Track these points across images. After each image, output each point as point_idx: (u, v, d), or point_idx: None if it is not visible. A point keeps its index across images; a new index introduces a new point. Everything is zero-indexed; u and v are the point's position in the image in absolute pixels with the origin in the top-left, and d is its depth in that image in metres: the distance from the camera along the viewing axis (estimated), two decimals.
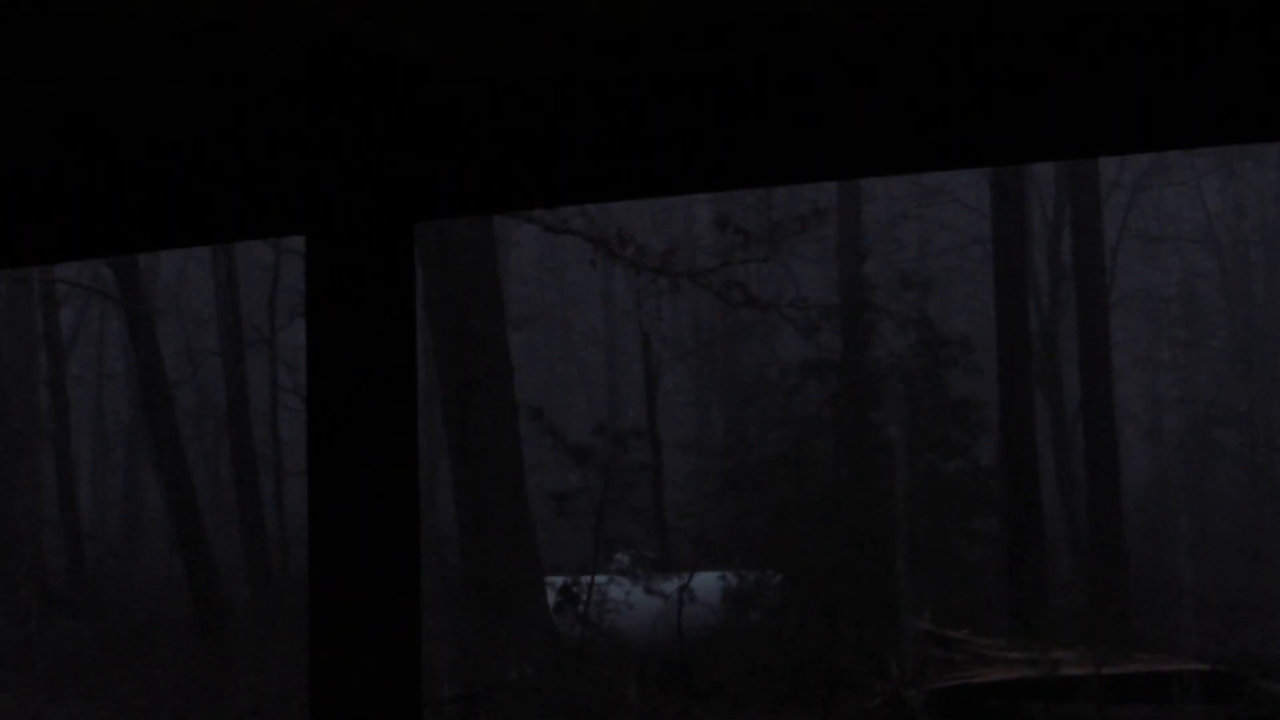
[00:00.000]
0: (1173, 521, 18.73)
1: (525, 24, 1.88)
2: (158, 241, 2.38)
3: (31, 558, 18.16)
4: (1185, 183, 25.23)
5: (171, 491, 17.16)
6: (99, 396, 27.33)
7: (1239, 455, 24.27)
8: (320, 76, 2.02)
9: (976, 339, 15.73)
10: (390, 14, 1.86)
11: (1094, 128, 1.87)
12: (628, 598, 13.29)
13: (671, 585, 13.50)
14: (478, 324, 12.95)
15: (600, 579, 13.42)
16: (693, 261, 16.55)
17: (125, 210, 2.31)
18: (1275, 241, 26.97)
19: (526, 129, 2.09)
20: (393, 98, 2.03)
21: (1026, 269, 15.95)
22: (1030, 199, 17.98)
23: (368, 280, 2.00)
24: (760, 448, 15.71)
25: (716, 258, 15.08)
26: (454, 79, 2.04)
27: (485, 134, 2.11)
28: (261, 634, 15.33)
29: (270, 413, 21.53)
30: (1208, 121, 1.82)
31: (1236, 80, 1.78)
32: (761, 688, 11.98)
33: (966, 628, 12.33)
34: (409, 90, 2.04)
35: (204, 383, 23.45)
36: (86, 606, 18.43)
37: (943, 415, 14.64)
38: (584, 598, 13.16)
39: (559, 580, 13.44)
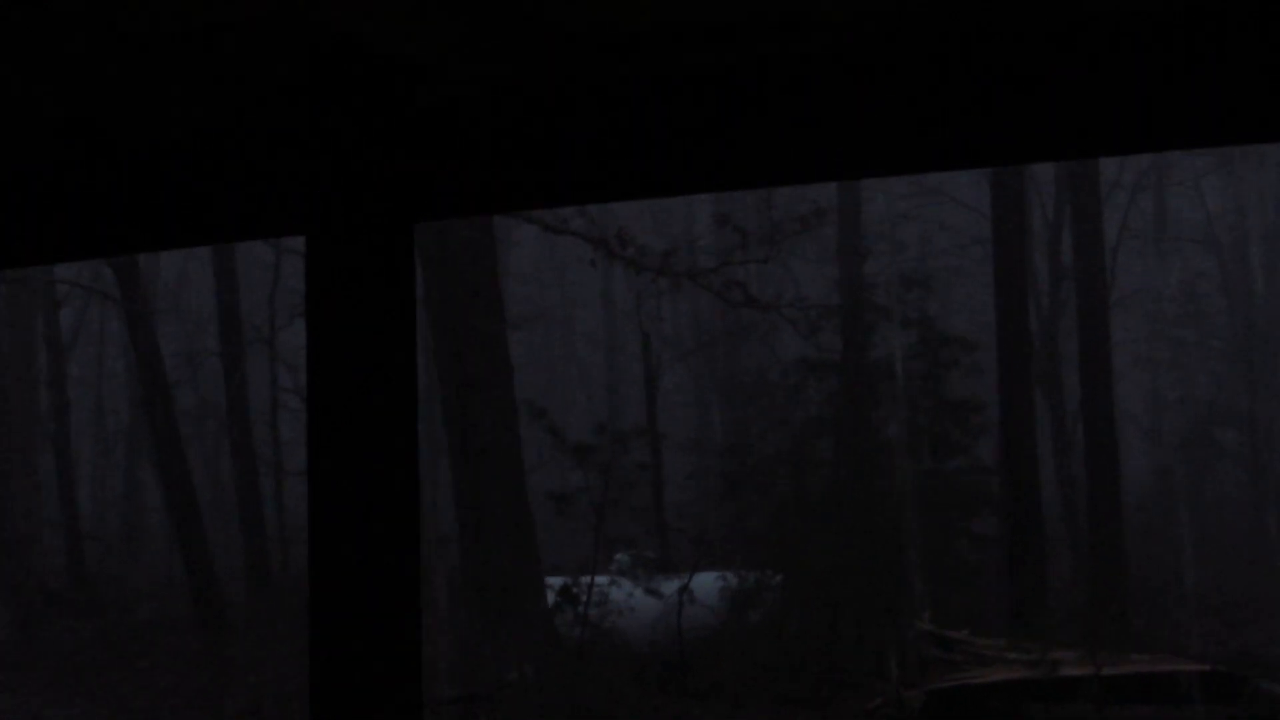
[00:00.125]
0: (1173, 522, 18.71)
1: (525, 24, 1.88)
2: (158, 242, 2.38)
3: (31, 558, 18.16)
4: (1185, 183, 25.23)
5: (171, 491, 17.15)
6: (99, 396, 27.32)
7: (1239, 455, 24.27)
8: (320, 77, 2.01)
9: (977, 339, 15.72)
10: (390, 14, 1.86)
11: (1094, 128, 1.87)
12: (630, 599, 13.29)
13: (671, 586, 13.50)
14: (478, 324, 12.95)
15: (600, 579, 13.41)
16: (693, 262, 16.56)
17: (125, 210, 2.31)
18: (1275, 241, 26.96)
19: (526, 129, 2.09)
20: (393, 98, 2.03)
21: (1026, 269, 15.95)
22: (1030, 199, 17.98)
23: (368, 280, 2.00)
24: (760, 448, 15.71)
25: (717, 258, 15.08)
26: (454, 79, 2.05)
27: (485, 134, 2.11)
28: (261, 634, 15.33)
29: (270, 413, 21.53)
30: (1208, 122, 1.82)
31: (1236, 80, 1.78)
32: (761, 688, 11.98)
33: (966, 628, 12.32)
34: (409, 90, 2.04)
35: (204, 383, 23.44)
36: (86, 606, 18.42)
37: (943, 415, 14.64)
38: (584, 598, 13.15)
39: (559, 580, 13.43)
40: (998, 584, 14.12)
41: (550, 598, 13.19)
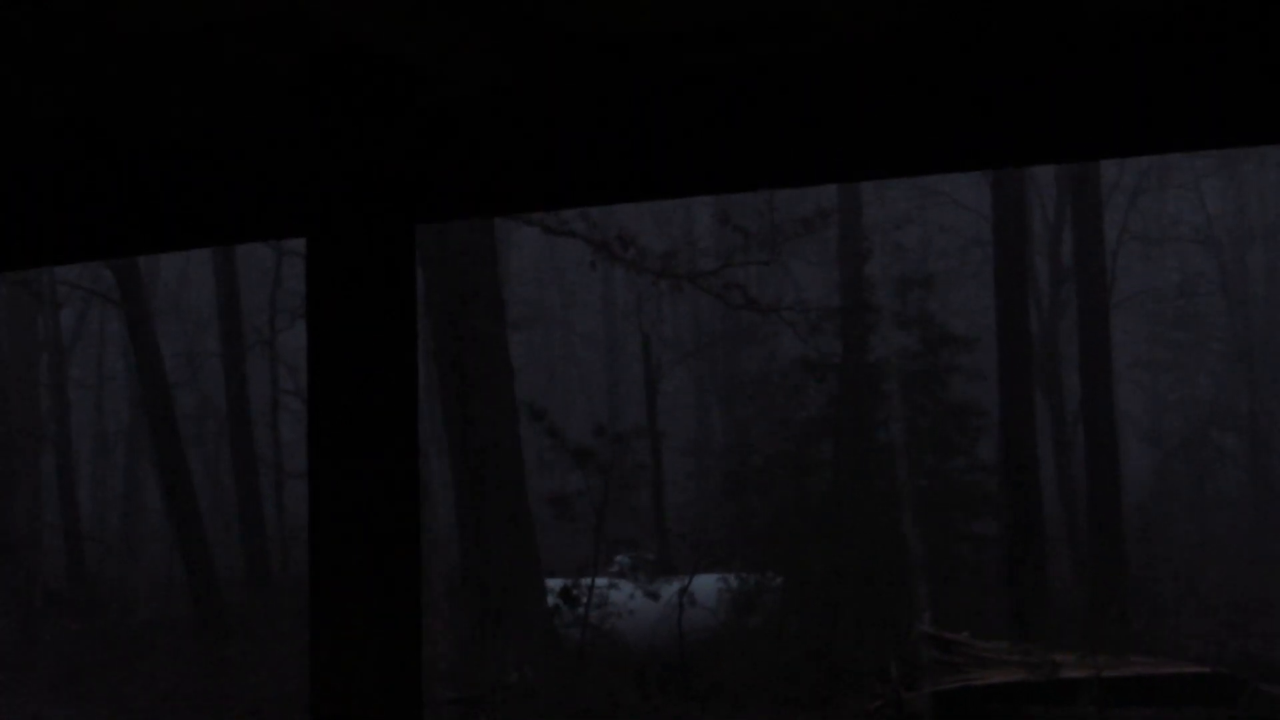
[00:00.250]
0: (1173, 523, 18.71)
1: (525, 25, 1.87)
2: (158, 243, 2.38)
3: (32, 559, 18.16)
4: (1185, 184, 25.23)
5: (171, 492, 17.15)
6: (99, 398, 27.32)
7: (1239, 456, 24.27)
8: (321, 78, 2.01)
9: (977, 341, 15.72)
10: (391, 16, 1.86)
11: (1094, 129, 1.87)
12: (630, 601, 13.29)
13: (671, 587, 13.49)
14: (478, 325, 12.95)
15: (600, 581, 13.41)
16: (693, 264, 16.55)
17: (125, 211, 2.31)
18: (1275, 242, 26.96)
19: (527, 130, 2.09)
20: (393, 99, 2.03)
21: (1027, 270, 15.94)
22: (1030, 200, 17.98)
23: (368, 281, 2.00)
24: (760, 449, 15.71)
25: (717, 260, 15.09)
26: (454, 81, 2.04)
27: (485, 136, 2.11)
28: (261, 634, 15.34)
29: (271, 414, 21.55)
30: (1208, 123, 1.82)
31: (1237, 82, 1.78)
32: (761, 690, 11.97)
33: (966, 630, 12.31)
34: (409, 92, 2.04)
35: (204, 384, 23.45)
36: (86, 607, 18.43)
37: (943, 417, 14.63)
38: (584, 600, 13.15)
39: (559, 582, 13.43)
40: (998, 585, 14.11)
41: (550, 599, 13.19)
